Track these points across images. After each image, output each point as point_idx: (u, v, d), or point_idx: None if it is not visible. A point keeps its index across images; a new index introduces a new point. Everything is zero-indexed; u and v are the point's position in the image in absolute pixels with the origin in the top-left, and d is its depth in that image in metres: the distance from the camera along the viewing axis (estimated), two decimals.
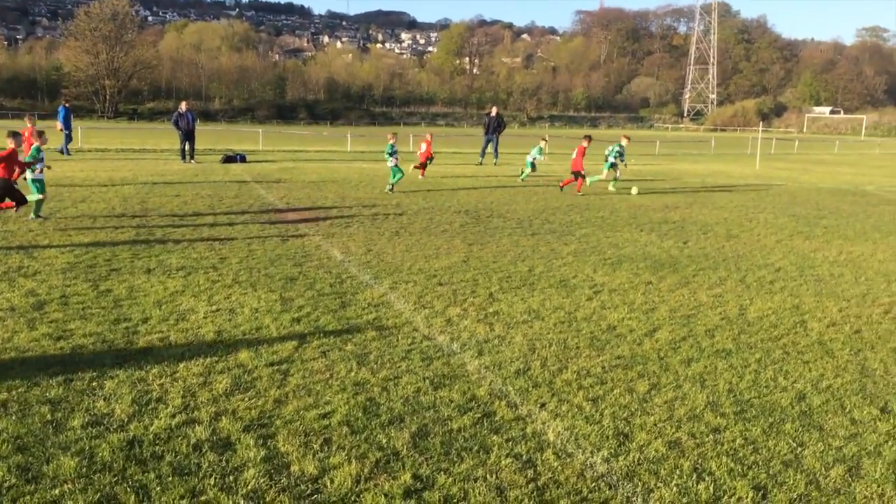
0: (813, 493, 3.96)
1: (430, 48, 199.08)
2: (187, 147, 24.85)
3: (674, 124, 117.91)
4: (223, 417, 4.66)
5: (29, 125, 16.78)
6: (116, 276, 8.36)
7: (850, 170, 31.70)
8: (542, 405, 5.06)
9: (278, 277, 8.53)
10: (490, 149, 28.90)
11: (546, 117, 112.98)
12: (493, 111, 29.70)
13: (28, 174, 12.07)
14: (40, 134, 12.72)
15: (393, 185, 17.98)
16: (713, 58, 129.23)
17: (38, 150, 12.29)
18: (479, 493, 3.86)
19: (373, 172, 23.24)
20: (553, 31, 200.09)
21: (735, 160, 36.48)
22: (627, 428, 4.73)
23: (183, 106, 25.42)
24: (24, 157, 12.17)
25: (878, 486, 4.05)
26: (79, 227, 11.46)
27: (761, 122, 52.29)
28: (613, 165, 19.73)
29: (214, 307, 7.19)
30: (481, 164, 28.08)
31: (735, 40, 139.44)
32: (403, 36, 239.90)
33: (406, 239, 11.42)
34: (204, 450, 4.23)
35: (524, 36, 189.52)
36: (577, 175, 18.34)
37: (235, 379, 5.31)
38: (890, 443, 4.61)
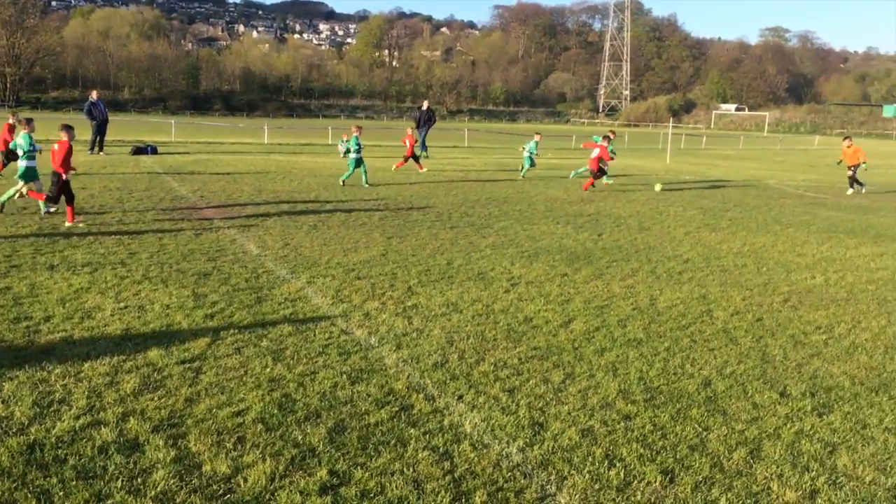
0: (717, 476, 4.13)
1: (349, 40, 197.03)
2: (97, 138, 23.87)
3: (590, 119, 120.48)
4: (131, 418, 4.50)
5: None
6: (17, 272, 7.96)
7: (753, 164, 33.11)
8: (460, 397, 5.09)
9: (191, 273, 8.29)
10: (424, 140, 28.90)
11: (465, 111, 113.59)
12: (425, 105, 29.63)
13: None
14: (29, 122, 12.51)
15: (344, 181, 17.97)
16: (626, 55, 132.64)
17: (30, 137, 12.12)
18: (396, 487, 3.86)
19: (290, 165, 22.87)
20: (472, 25, 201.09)
21: (647, 155, 37.58)
22: (542, 417, 4.82)
23: (94, 94, 24.39)
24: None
25: (777, 467, 4.25)
26: None
27: (671, 119, 54.01)
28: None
29: (122, 304, 6.93)
30: (426, 156, 28.01)
31: (647, 38, 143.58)
32: (322, 27, 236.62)
33: (324, 233, 11.29)
34: (110, 452, 4.07)
35: (443, 29, 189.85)
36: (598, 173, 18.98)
37: (144, 378, 5.14)
38: (788, 425, 4.85)
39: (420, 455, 4.21)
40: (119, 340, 5.90)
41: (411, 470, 4.04)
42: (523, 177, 21.74)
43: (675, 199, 17.68)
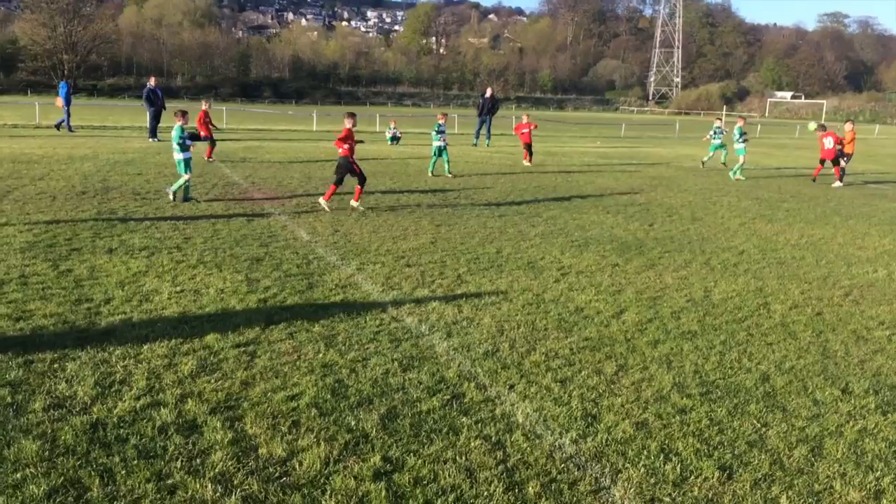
0: (777, 473, 4.03)
1: (396, 27, 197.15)
2: (155, 124, 24.39)
3: (639, 107, 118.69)
4: (189, 400, 4.58)
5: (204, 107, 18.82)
6: (77, 255, 8.17)
7: (810, 154, 32.18)
8: (511, 387, 5.07)
9: (244, 258, 8.41)
10: (484, 130, 28.76)
11: (513, 98, 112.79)
12: (488, 92, 29.22)
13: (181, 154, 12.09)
14: (184, 114, 12.57)
15: (431, 170, 17.88)
16: (678, 41, 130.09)
17: (182, 129, 12.17)
18: (449, 475, 3.86)
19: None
20: (520, 11, 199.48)
21: (699, 144, 36.85)
22: (595, 409, 4.77)
23: (152, 81, 24.86)
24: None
25: (840, 466, 4.14)
26: (38, 206, 11.18)
27: (724, 107, 52.88)
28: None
29: (179, 288, 7.06)
30: (476, 145, 27.93)
31: (700, 24, 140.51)
32: (369, 14, 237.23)
33: (373, 220, 11.34)
34: (170, 433, 4.16)
35: (491, 16, 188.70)
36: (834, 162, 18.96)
37: (201, 361, 5.23)
38: (851, 423, 4.72)
39: (472, 444, 4.20)
40: (176, 323, 6.01)
41: (464, 458, 4.04)
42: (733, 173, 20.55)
43: (728, 189, 17.31)
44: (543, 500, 3.68)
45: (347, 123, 12.30)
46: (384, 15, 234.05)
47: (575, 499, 3.70)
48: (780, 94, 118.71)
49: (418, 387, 4.97)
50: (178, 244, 8.98)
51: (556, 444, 4.26)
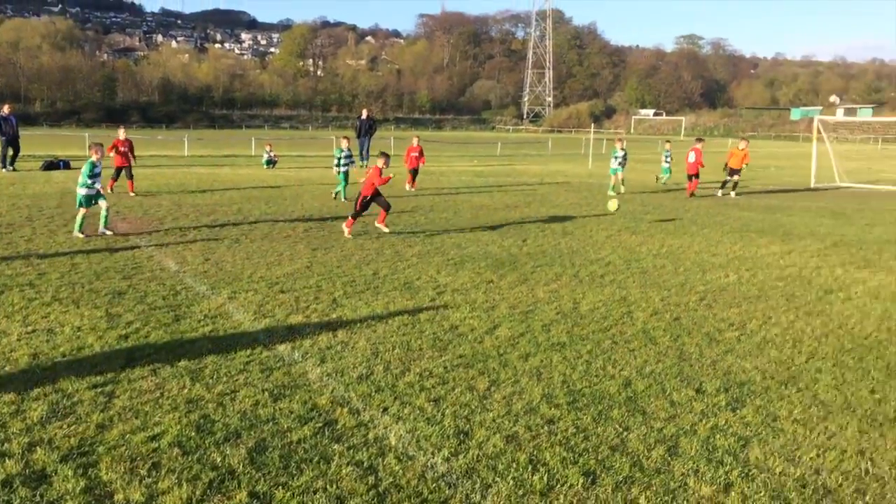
0: (637, 475, 4.21)
1: (272, 49, 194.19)
2: (9, 153, 22.85)
3: (514, 126, 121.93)
4: (38, 448, 4.30)
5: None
6: None
7: (673, 168, 34.05)
8: (385, 409, 5.06)
9: (104, 292, 8.00)
10: (363, 151, 28.76)
11: (392, 119, 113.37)
12: (364, 113, 29.25)
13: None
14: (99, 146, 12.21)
15: (337, 194, 17.78)
16: (549, 62, 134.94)
17: (92, 165, 11.79)
18: None
19: (211, 178, 22.38)
20: (397, 33, 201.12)
21: (570, 160, 38.29)
22: (468, 426, 4.83)
23: (5, 109, 23.27)
24: None
25: (694, 463, 4.37)
26: None
27: (593, 124, 55.16)
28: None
29: (30, 328, 6.63)
30: (363, 166, 27.75)
31: (568, 46, 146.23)
32: (243, 36, 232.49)
33: (247, 246, 11.08)
34: (15, 485, 3.88)
35: (368, 38, 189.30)
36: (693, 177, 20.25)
37: (53, 405, 4.92)
38: (704, 421, 4.99)
39: (344, 471, 4.16)
40: (26, 366, 5.64)
41: (335, 487, 3.99)
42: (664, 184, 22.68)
43: (596, 204, 18.04)
44: None
45: (381, 163, 12.40)
46: (259, 37, 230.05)
47: None
48: (643, 111, 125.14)
49: (289, 416, 4.88)
50: (30, 281, 8.44)
51: (429, 463, 4.28)
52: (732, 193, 20.86)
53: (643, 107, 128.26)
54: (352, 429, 4.72)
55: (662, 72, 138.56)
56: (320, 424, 4.77)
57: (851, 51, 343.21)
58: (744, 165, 21.00)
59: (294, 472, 4.13)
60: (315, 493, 3.92)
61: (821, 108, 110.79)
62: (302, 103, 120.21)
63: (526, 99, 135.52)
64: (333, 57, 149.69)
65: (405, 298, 8.21)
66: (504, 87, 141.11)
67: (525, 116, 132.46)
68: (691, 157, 20.39)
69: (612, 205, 14.51)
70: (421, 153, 20.76)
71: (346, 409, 5.02)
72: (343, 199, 17.27)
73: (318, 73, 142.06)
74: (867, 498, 4.02)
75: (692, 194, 20.30)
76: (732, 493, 4.02)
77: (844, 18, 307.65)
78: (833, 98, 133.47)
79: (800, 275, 9.98)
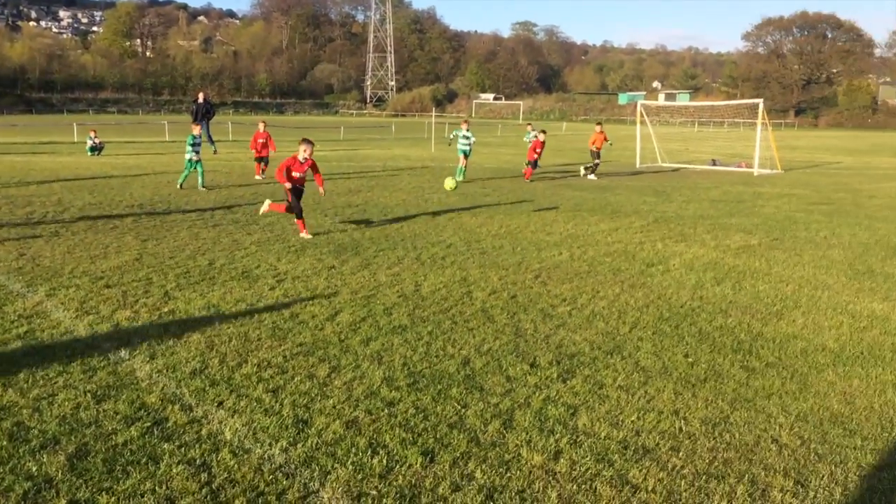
0: (474, 450, 4.34)
1: (94, 28, 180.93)
2: None
3: (358, 110, 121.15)
4: None
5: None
6: None
7: (511, 150, 35.19)
8: (220, 404, 4.90)
9: None
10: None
11: (230, 103, 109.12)
12: (201, 97, 27.85)
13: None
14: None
15: (182, 183, 16.68)
16: (390, 46, 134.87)
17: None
18: None
19: (28, 166, 20.64)
20: (231, 14, 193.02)
21: (414, 144, 38.60)
22: (307, 414, 4.77)
23: None
24: None
25: (527, 434, 4.56)
26: None
27: (434, 108, 55.88)
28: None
29: None
30: (215, 152, 26.39)
31: (409, 30, 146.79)
32: (62, 14, 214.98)
33: (68, 239, 10.32)
34: None
35: (201, 18, 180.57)
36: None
37: None
38: (537, 393, 5.22)
39: (174, 470, 3.99)
40: None
41: (164, 487, 3.81)
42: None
43: (438, 187, 18.30)
44: None
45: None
46: (79, 15, 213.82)
47: None
48: (483, 95, 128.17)
49: (114, 418, 4.61)
50: None
51: (266, 455, 4.19)
52: (592, 175, 22.00)
53: (483, 91, 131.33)
54: (183, 426, 4.53)
55: (500, 57, 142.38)
56: (149, 424, 4.54)
57: (671, 39, 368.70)
58: (602, 146, 22.31)
59: (119, 475, 3.91)
60: (143, 495, 3.73)
61: (644, 93, 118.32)
62: (130, 86, 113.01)
63: (369, 83, 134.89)
64: (164, 37, 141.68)
65: (243, 288, 7.97)
66: (346, 70, 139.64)
67: (368, 100, 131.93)
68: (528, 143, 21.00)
69: (449, 183, 14.26)
70: (269, 140, 19.78)
71: (177, 407, 4.81)
72: (201, 188, 16.45)
73: (148, 54, 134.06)
74: (681, 454, 4.36)
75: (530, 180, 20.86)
76: (562, 460, 4.23)
77: (664, 6, 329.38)
78: (655, 84, 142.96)
79: (625, 250, 10.63)
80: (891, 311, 7.64)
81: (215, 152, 25.95)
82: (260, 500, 3.72)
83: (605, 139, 22.41)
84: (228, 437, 4.40)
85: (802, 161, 31.57)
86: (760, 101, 26.95)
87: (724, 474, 4.13)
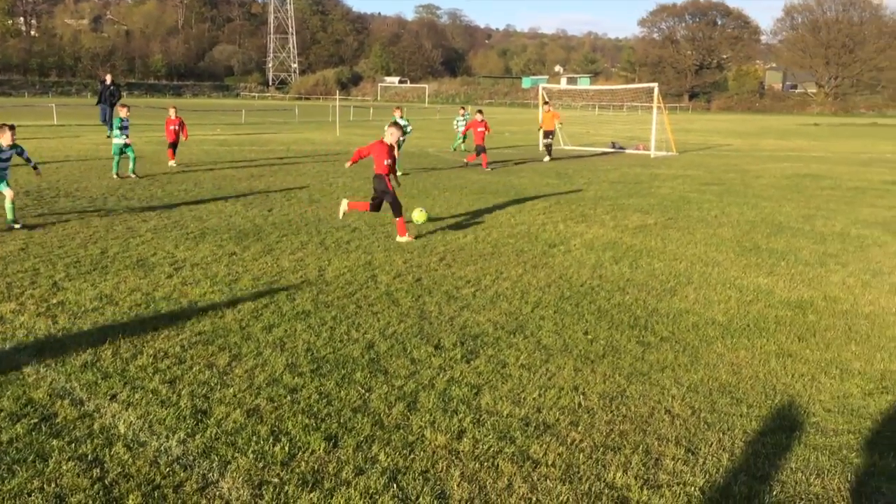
0: (378, 433, 4.34)
1: None
2: None
3: (260, 93, 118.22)
4: None
5: None
6: None
7: (417, 134, 35.16)
8: (113, 397, 4.71)
9: None
10: (107, 119, 26.44)
11: (124, 85, 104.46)
12: (108, 79, 26.84)
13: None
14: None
15: (116, 171, 15.72)
16: (291, 28, 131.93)
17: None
18: None
19: None
20: None
21: (318, 127, 38.02)
22: (206, 404, 4.65)
23: None
24: None
25: (431, 415, 4.59)
26: None
27: (339, 91, 55.21)
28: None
29: None
30: (110, 136, 25.21)
31: (311, 11, 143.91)
32: None
33: None
34: None
35: None
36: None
37: None
38: (441, 375, 5.26)
39: (64, 467, 3.82)
40: None
41: (53, 485, 3.65)
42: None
43: (343, 171, 18.13)
44: None
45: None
46: None
47: (181, 501, 3.57)
48: (388, 79, 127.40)
49: None
50: None
51: (162, 448, 4.07)
52: (547, 157, 22.67)
53: (388, 74, 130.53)
54: (73, 421, 4.34)
55: (405, 40, 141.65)
56: (36, 420, 4.33)
57: (572, 24, 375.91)
58: (556, 125, 23.30)
59: (5, 475, 3.72)
60: (30, 494, 3.56)
61: (547, 77, 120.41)
62: (14, 67, 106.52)
63: (270, 65, 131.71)
64: (49, 16, 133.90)
65: (138, 277, 7.68)
66: (247, 52, 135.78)
67: (271, 83, 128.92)
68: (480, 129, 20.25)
69: (419, 216, 10.68)
70: (182, 125, 18.84)
71: (66, 401, 4.60)
72: (132, 175, 15.65)
73: (33, 33, 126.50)
74: (579, 428, 4.50)
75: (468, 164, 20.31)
76: (465, 439, 4.28)
77: None
78: (557, 68, 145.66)
79: (528, 231, 10.82)
80: (774, 285, 8.09)
81: (110, 136, 25.00)
82: (156, 494, 3.61)
83: (558, 118, 23.39)
84: (122, 431, 4.24)
85: (696, 143, 32.89)
86: (656, 85, 27.88)
87: (620, 445, 4.29)
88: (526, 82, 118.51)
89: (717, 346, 6.05)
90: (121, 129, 15.55)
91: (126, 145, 15.57)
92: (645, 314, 6.87)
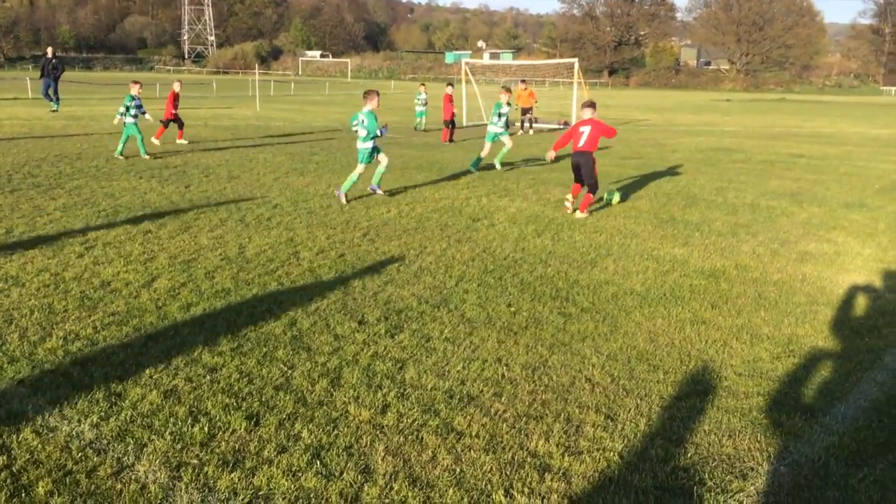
0: (300, 410, 4.28)
1: None
2: None
3: (176, 66, 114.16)
4: None
5: None
6: None
7: (339, 109, 34.70)
8: (21, 381, 4.50)
9: None
10: (51, 93, 25.53)
11: (29, 58, 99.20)
12: (50, 52, 26.09)
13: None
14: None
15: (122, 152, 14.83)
16: None
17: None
18: None
19: None
20: None
21: (237, 102, 37.04)
22: (120, 387, 4.49)
23: None
24: None
25: (355, 391, 4.57)
26: None
27: (258, 65, 53.86)
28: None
29: None
30: (56, 111, 24.37)
31: None
32: None
33: None
34: None
35: None
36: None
37: None
38: (365, 350, 5.23)
39: None
40: None
41: None
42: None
43: (264, 147, 17.74)
44: (56, 497, 3.35)
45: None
46: None
47: (94, 486, 3.45)
48: (310, 53, 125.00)
49: None
50: None
51: (74, 432, 3.91)
52: (531, 131, 23.47)
53: (309, 48, 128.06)
54: None
55: (326, 13, 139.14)
56: None
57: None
58: (533, 103, 23.84)
59: None
60: None
61: (470, 52, 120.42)
62: None
63: (186, 37, 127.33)
64: None
65: (46, 256, 7.34)
66: (160, 24, 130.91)
67: (186, 56, 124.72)
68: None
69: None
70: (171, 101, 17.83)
71: None
72: (144, 156, 14.77)
73: None
74: (503, 399, 4.55)
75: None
76: (389, 414, 4.28)
77: None
78: (480, 43, 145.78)
79: (452, 206, 10.84)
80: (689, 255, 8.35)
81: (55, 110, 24.23)
82: (67, 480, 3.48)
83: (533, 97, 23.82)
84: (31, 417, 4.06)
85: (615, 118, 33.53)
86: (576, 60, 28.23)
87: (543, 415, 4.36)
88: (449, 57, 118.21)
89: (635, 315, 6.21)
90: (137, 107, 14.66)
91: (133, 124, 14.66)
92: (566, 286, 6.99)
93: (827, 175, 15.64)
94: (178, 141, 17.86)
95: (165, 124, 17.51)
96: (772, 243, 9.07)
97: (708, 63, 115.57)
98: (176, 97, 17.96)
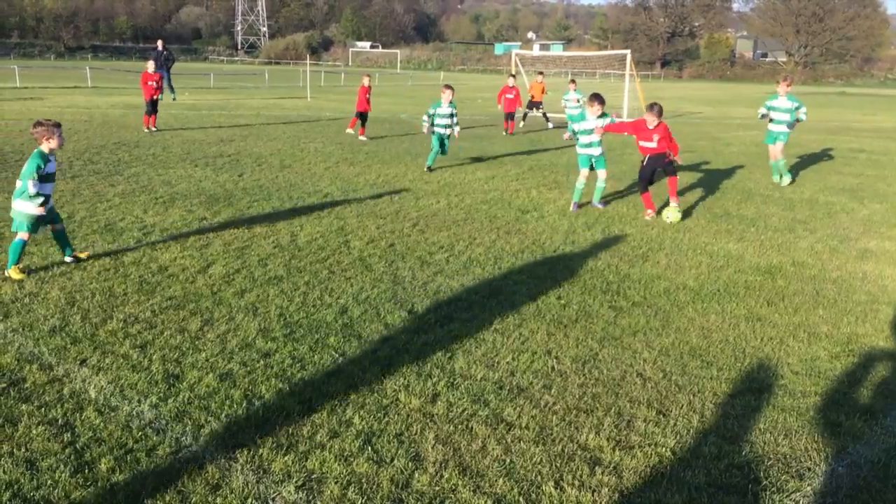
0: (352, 396, 4.34)
1: None
2: None
3: (229, 57, 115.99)
4: None
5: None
6: None
7: (388, 100, 34.85)
8: (83, 361, 4.65)
9: None
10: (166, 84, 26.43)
11: (88, 48, 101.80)
12: (160, 44, 26.80)
13: None
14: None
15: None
16: None
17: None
18: (5, 472, 3.41)
19: None
20: None
21: (288, 92, 37.46)
22: (178, 369, 4.61)
23: None
24: None
25: (405, 379, 4.60)
26: None
27: (309, 56, 54.35)
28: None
29: None
30: (175, 99, 25.34)
31: None
32: None
33: None
34: None
35: None
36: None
37: None
38: (415, 339, 5.26)
39: (35, 431, 3.78)
40: None
41: (23, 449, 3.61)
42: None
43: (315, 136, 17.92)
44: (118, 474, 3.46)
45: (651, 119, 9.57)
46: None
47: (154, 464, 3.55)
48: (360, 44, 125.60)
49: None
50: None
51: (134, 412, 4.03)
52: (550, 125, 22.82)
53: (359, 39, 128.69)
54: (43, 386, 4.29)
55: (376, 4, 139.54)
56: (4, 385, 4.27)
57: None
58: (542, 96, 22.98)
59: None
60: (0, 458, 3.51)
61: (520, 43, 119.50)
62: None
63: (239, 28, 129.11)
64: None
65: (106, 242, 7.55)
66: (214, 14, 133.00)
67: (240, 47, 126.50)
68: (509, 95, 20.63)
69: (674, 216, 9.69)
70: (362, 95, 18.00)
71: (35, 366, 4.54)
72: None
73: None
74: (552, 391, 4.54)
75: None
76: (439, 403, 4.30)
77: None
78: (530, 34, 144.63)
79: (501, 198, 10.81)
80: (744, 250, 8.19)
81: (174, 99, 25.37)
82: (128, 458, 3.59)
83: (544, 90, 22.90)
84: (93, 396, 4.19)
85: (668, 111, 32.92)
86: (628, 52, 27.83)
87: (593, 408, 4.33)
88: (498, 49, 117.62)
89: (688, 311, 6.12)
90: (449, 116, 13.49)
91: (440, 138, 13.46)
92: (617, 279, 6.92)
93: (889, 171, 15.17)
94: (360, 138, 17.89)
95: (362, 118, 17.87)
96: (831, 240, 8.84)
97: (764, 55, 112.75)
98: (367, 91, 18.06)
